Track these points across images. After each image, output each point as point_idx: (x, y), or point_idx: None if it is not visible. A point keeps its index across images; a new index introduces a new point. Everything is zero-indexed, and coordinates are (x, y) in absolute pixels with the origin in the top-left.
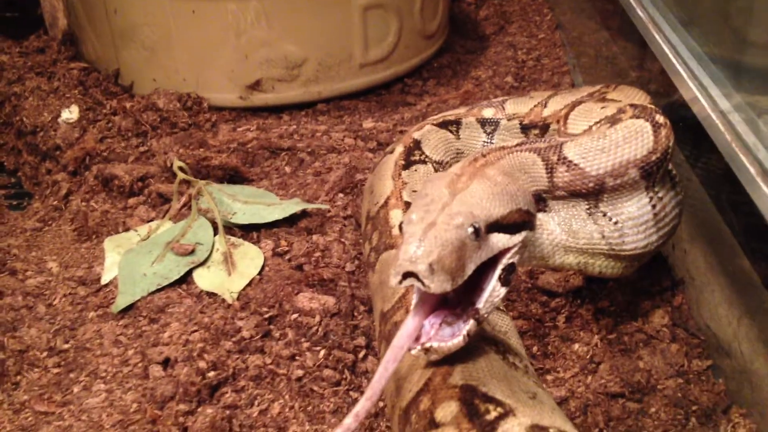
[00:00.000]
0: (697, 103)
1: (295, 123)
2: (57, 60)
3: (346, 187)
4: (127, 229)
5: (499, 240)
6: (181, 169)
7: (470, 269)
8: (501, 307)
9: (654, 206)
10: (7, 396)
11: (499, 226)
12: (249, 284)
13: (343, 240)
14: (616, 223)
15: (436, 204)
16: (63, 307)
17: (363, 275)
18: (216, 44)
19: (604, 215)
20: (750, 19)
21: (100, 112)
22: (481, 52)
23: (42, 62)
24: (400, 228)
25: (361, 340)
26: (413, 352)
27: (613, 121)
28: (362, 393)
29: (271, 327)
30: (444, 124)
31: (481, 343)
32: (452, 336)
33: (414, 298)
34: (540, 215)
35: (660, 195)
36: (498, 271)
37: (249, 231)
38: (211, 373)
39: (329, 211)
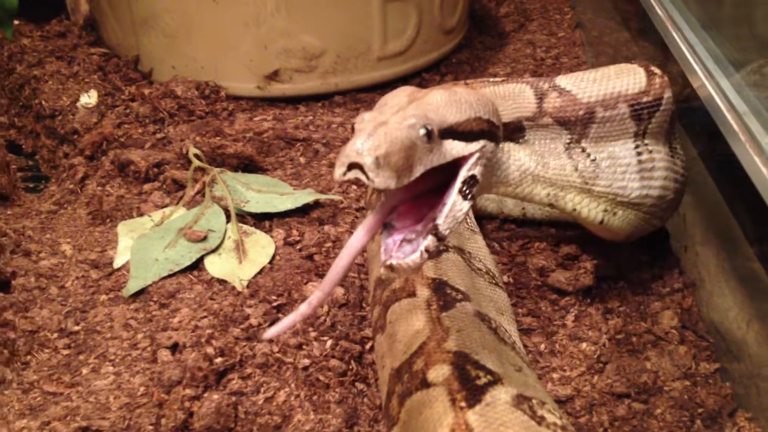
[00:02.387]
0: (713, 105)
1: (311, 114)
2: (77, 45)
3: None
4: (141, 215)
5: (454, 147)
6: (196, 156)
7: (418, 171)
8: (500, 285)
9: (640, 154)
10: (16, 375)
11: (454, 132)
12: (259, 272)
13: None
14: (594, 160)
15: (392, 108)
16: (75, 289)
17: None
18: (236, 33)
19: (583, 151)
20: None
21: (118, 97)
22: (499, 49)
23: (62, 47)
24: (353, 128)
25: (368, 332)
26: (381, 272)
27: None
28: (368, 384)
29: (280, 315)
30: None
31: (475, 318)
32: (411, 252)
33: (382, 198)
34: (511, 144)
35: (650, 149)
36: (458, 184)
37: (261, 220)
38: (219, 359)
39: (342, 202)
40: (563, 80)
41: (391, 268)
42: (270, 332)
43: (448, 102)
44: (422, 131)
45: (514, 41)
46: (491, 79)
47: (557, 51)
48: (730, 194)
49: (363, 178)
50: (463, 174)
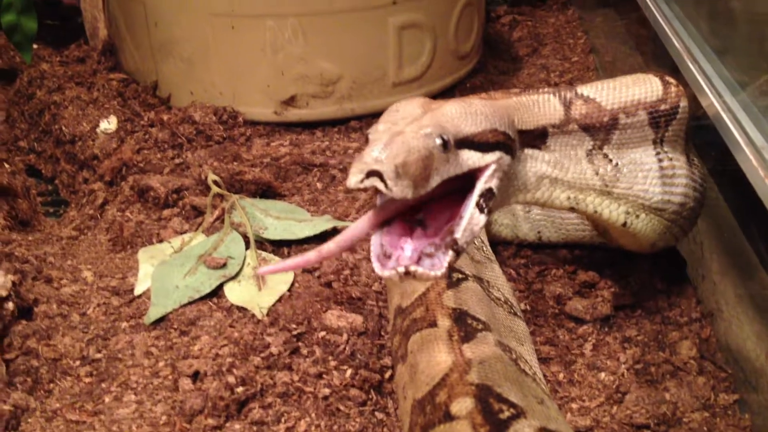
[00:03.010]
0: (727, 131)
1: (327, 139)
2: (97, 70)
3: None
4: (160, 241)
5: (470, 157)
6: (215, 182)
7: (435, 181)
8: (519, 314)
9: (661, 161)
10: (39, 404)
11: (470, 143)
12: (279, 300)
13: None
14: (615, 165)
15: (407, 119)
16: (96, 316)
17: (387, 298)
18: (253, 59)
19: (605, 157)
20: None
21: (137, 123)
22: (513, 74)
23: (82, 72)
24: (366, 139)
25: (387, 360)
26: (386, 273)
27: None
28: (387, 414)
29: (300, 344)
30: None
31: (496, 348)
32: (433, 267)
33: (377, 200)
34: (531, 151)
35: (670, 156)
36: (475, 197)
37: (280, 246)
38: (240, 389)
39: None
40: (585, 89)
41: (408, 273)
42: (267, 268)
43: (464, 113)
44: (438, 141)
45: (528, 66)
46: (513, 90)
47: (571, 76)
48: (747, 222)
49: (381, 186)
50: (480, 187)
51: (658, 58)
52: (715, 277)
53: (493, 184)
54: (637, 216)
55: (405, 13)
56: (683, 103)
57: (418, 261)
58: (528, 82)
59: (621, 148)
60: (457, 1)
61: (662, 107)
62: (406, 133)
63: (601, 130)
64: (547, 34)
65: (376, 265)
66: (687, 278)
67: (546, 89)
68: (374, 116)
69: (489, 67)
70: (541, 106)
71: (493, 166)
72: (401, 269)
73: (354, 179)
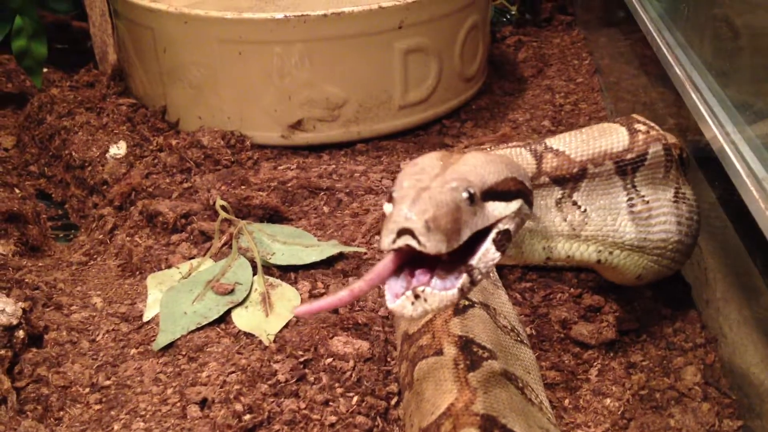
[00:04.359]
0: (729, 162)
1: (334, 162)
2: (106, 95)
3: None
4: (169, 266)
5: (496, 208)
6: (223, 208)
7: (466, 234)
8: (526, 342)
9: (632, 204)
10: (50, 431)
11: (494, 193)
12: (285, 326)
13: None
14: (584, 210)
15: (429, 174)
16: (106, 343)
17: (394, 323)
18: (260, 84)
19: (574, 204)
20: None
21: (146, 148)
22: (519, 95)
23: (91, 97)
24: (389, 198)
25: (393, 387)
26: (396, 303)
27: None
28: None
29: (306, 371)
30: None
31: (502, 377)
32: (444, 288)
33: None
34: None
35: (647, 198)
36: (493, 234)
37: (287, 272)
38: (247, 416)
39: (365, 253)
40: (554, 141)
41: (417, 296)
42: (302, 309)
43: (485, 163)
44: (465, 194)
45: (533, 87)
46: (483, 146)
47: (576, 97)
48: (749, 244)
49: (414, 244)
50: (499, 226)
51: (663, 79)
52: (719, 302)
53: (511, 227)
54: (611, 252)
55: (410, 37)
56: (654, 149)
57: (430, 282)
58: (533, 103)
59: (590, 195)
60: (462, 24)
61: (628, 156)
62: (432, 188)
63: (570, 181)
64: (552, 54)
65: (388, 297)
66: (692, 303)
67: (517, 143)
68: (380, 139)
69: (494, 88)
70: (515, 159)
71: (515, 210)
72: (409, 293)
73: (387, 240)
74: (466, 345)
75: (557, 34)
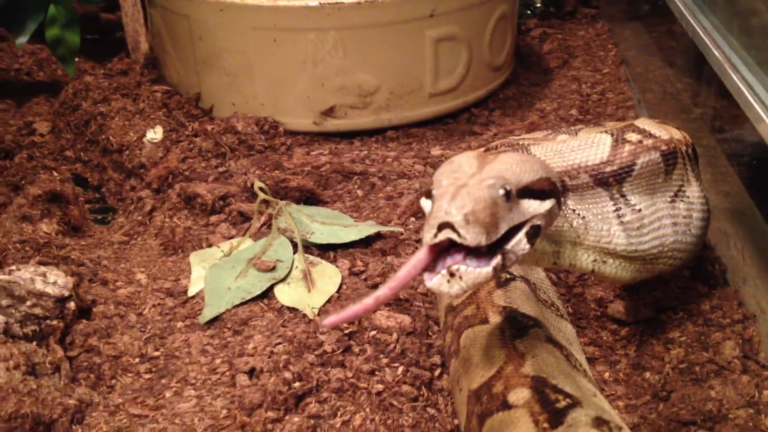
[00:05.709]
0: None
1: (366, 148)
2: (141, 83)
3: (417, 211)
4: (209, 245)
5: (530, 206)
6: (261, 189)
7: (503, 228)
8: (566, 317)
9: (621, 214)
10: (102, 399)
11: (529, 191)
12: (328, 301)
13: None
14: (583, 218)
15: (466, 172)
16: (152, 316)
17: (435, 298)
18: (294, 71)
19: (573, 211)
20: None
21: (182, 133)
22: (545, 85)
23: (126, 84)
24: (428, 195)
25: (436, 359)
26: (433, 281)
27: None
28: (438, 410)
29: (351, 342)
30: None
31: (548, 344)
32: (478, 266)
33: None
34: None
35: (638, 207)
36: (527, 227)
37: (326, 251)
38: (297, 384)
39: (402, 234)
40: (536, 150)
41: (453, 274)
42: (330, 320)
43: (520, 162)
44: (501, 191)
45: (559, 77)
46: (510, 135)
47: (603, 87)
48: None
49: (454, 236)
50: (533, 221)
51: (688, 71)
52: (757, 280)
53: (542, 223)
54: (605, 261)
55: (442, 26)
56: (644, 158)
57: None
58: (560, 93)
59: (581, 204)
60: (492, 14)
61: (607, 169)
62: (470, 185)
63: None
64: (577, 46)
65: (426, 276)
66: (728, 282)
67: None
68: (410, 126)
69: (521, 79)
70: None
71: (548, 208)
72: (444, 271)
73: (429, 235)
74: (510, 314)
75: (581, 27)
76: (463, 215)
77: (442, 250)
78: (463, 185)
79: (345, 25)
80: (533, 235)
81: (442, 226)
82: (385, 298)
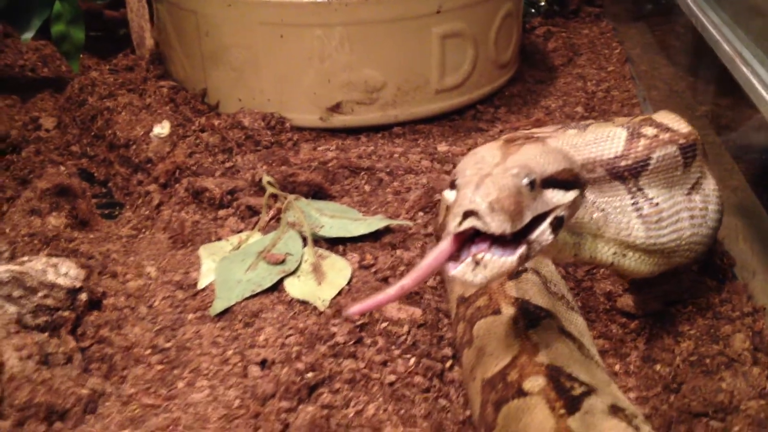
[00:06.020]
0: None
1: (372, 144)
2: (147, 78)
3: (425, 206)
4: (218, 239)
5: (554, 195)
6: (270, 183)
7: (528, 217)
8: (576, 310)
9: (639, 207)
10: (115, 389)
11: (554, 181)
12: (339, 294)
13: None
14: (603, 210)
15: (489, 162)
16: (163, 308)
17: (445, 291)
18: (301, 67)
19: (593, 203)
20: None
21: (189, 128)
22: (550, 82)
23: (132, 80)
24: (452, 185)
25: (447, 351)
26: (458, 269)
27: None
28: (450, 401)
29: (363, 334)
30: None
31: (560, 335)
32: (503, 254)
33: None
34: None
35: (656, 201)
36: (550, 218)
37: (335, 244)
38: (309, 374)
39: (411, 228)
40: (554, 143)
41: (478, 262)
42: (355, 308)
43: (544, 152)
44: (525, 180)
45: (564, 75)
46: (519, 131)
47: (608, 84)
48: None
49: (479, 224)
50: (556, 213)
51: (692, 69)
52: (765, 274)
53: (565, 214)
54: (624, 255)
55: (448, 22)
56: (661, 152)
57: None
58: (565, 90)
59: (601, 196)
60: (498, 11)
61: (622, 163)
62: (494, 174)
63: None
64: (582, 44)
65: (449, 265)
66: (736, 276)
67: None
68: (416, 123)
69: (526, 76)
70: None
71: (572, 198)
72: (469, 259)
73: (453, 223)
74: (523, 305)
75: (585, 26)
76: (488, 203)
77: (467, 240)
78: (488, 174)
79: (352, 21)
80: (557, 225)
81: (466, 214)
82: (409, 288)
